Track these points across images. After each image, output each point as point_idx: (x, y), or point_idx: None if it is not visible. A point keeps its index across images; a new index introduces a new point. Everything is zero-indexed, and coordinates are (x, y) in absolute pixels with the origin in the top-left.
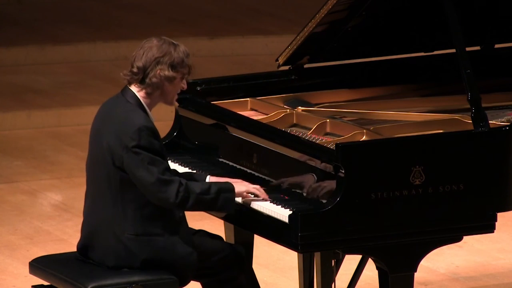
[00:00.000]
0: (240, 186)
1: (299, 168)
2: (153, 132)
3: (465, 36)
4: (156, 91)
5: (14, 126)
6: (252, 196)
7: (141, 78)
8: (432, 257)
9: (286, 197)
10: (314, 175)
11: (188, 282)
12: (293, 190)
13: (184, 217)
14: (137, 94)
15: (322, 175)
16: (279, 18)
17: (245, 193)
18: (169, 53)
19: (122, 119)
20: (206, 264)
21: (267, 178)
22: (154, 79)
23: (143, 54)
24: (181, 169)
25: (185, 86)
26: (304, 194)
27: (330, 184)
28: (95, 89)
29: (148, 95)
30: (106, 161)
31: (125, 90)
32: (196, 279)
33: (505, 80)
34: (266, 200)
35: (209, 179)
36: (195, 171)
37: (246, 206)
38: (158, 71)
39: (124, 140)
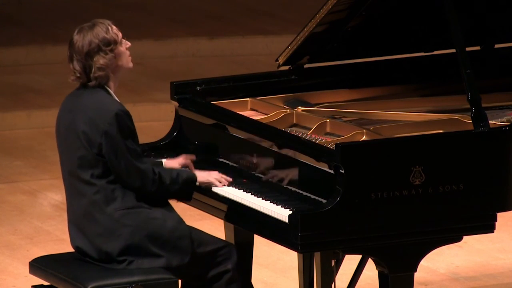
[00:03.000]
0: (204, 175)
1: (298, 168)
2: (129, 115)
3: (465, 36)
4: (110, 75)
5: (14, 126)
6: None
7: (87, 78)
8: (432, 257)
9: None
10: (302, 169)
11: (185, 262)
12: (281, 184)
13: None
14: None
15: (322, 175)
16: (279, 18)
17: (211, 181)
18: (92, 42)
19: (95, 106)
20: (197, 254)
21: (266, 178)
22: (98, 73)
23: (74, 55)
24: None
25: (128, 44)
26: (294, 189)
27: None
28: None
29: (105, 83)
30: (85, 150)
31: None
32: (186, 277)
33: (505, 80)
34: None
35: (164, 163)
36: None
37: (245, 205)
38: (95, 64)
39: (101, 126)
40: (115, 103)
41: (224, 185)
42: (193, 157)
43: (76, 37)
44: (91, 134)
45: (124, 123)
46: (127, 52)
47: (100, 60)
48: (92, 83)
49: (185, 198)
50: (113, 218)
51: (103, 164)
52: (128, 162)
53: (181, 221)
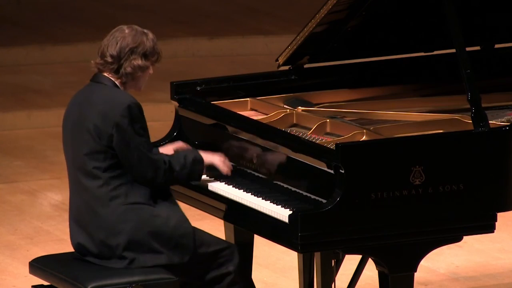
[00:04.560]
0: (209, 157)
1: (298, 168)
2: (141, 108)
3: (465, 36)
4: (130, 81)
5: (14, 126)
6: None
7: (116, 68)
8: (432, 257)
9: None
10: (302, 169)
11: (186, 260)
12: (281, 184)
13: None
14: (112, 79)
15: (322, 175)
16: (279, 18)
17: (216, 164)
18: (142, 42)
19: (106, 98)
20: (199, 255)
21: (266, 178)
22: (128, 69)
23: (117, 43)
24: None
25: (151, 72)
26: (294, 189)
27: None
28: None
29: (123, 84)
30: (94, 144)
31: (98, 76)
32: (187, 278)
33: (505, 80)
34: (227, 174)
35: (159, 150)
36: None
37: (245, 205)
38: (132, 61)
39: (113, 118)
40: (126, 96)
41: (228, 172)
42: (188, 145)
43: (128, 31)
44: (102, 126)
45: (136, 115)
46: (147, 77)
47: (138, 61)
48: (117, 75)
49: (195, 179)
50: (116, 213)
51: (110, 158)
52: (141, 153)
53: (185, 219)
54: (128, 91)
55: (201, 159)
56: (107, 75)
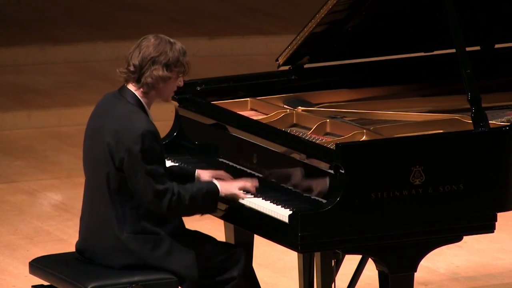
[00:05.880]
0: (226, 187)
1: (299, 168)
2: (155, 136)
3: (465, 36)
4: (151, 91)
5: (14, 126)
6: (244, 192)
7: (137, 77)
8: (432, 257)
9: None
10: (302, 170)
11: (193, 279)
12: (281, 184)
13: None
14: (135, 93)
15: (322, 175)
16: (279, 18)
17: (234, 193)
18: (165, 52)
19: (124, 120)
20: (206, 264)
21: (266, 178)
22: (149, 79)
23: (140, 52)
24: None
25: (181, 83)
26: (294, 189)
27: (322, 183)
28: (95, 89)
29: (144, 94)
30: (106, 161)
31: (124, 89)
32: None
33: (505, 80)
34: (254, 194)
35: (197, 173)
36: (184, 166)
37: (245, 205)
38: (153, 71)
39: (126, 142)
40: (144, 121)
41: (251, 195)
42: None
43: (153, 40)
44: (115, 148)
45: (148, 144)
46: (175, 87)
47: (159, 71)
48: (139, 85)
49: (210, 211)
50: (120, 239)
51: (120, 180)
52: (147, 183)
53: (188, 251)
54: (152, 102)
55: (216, 192)
56: (131, 88)
